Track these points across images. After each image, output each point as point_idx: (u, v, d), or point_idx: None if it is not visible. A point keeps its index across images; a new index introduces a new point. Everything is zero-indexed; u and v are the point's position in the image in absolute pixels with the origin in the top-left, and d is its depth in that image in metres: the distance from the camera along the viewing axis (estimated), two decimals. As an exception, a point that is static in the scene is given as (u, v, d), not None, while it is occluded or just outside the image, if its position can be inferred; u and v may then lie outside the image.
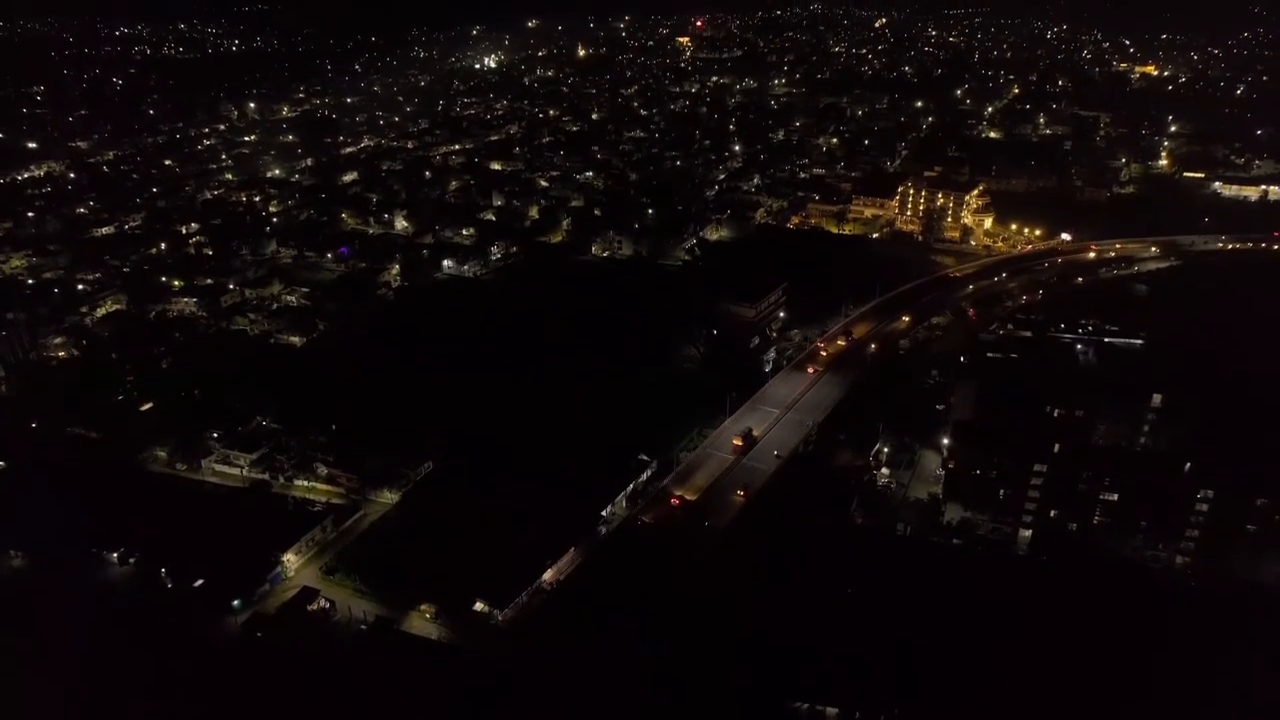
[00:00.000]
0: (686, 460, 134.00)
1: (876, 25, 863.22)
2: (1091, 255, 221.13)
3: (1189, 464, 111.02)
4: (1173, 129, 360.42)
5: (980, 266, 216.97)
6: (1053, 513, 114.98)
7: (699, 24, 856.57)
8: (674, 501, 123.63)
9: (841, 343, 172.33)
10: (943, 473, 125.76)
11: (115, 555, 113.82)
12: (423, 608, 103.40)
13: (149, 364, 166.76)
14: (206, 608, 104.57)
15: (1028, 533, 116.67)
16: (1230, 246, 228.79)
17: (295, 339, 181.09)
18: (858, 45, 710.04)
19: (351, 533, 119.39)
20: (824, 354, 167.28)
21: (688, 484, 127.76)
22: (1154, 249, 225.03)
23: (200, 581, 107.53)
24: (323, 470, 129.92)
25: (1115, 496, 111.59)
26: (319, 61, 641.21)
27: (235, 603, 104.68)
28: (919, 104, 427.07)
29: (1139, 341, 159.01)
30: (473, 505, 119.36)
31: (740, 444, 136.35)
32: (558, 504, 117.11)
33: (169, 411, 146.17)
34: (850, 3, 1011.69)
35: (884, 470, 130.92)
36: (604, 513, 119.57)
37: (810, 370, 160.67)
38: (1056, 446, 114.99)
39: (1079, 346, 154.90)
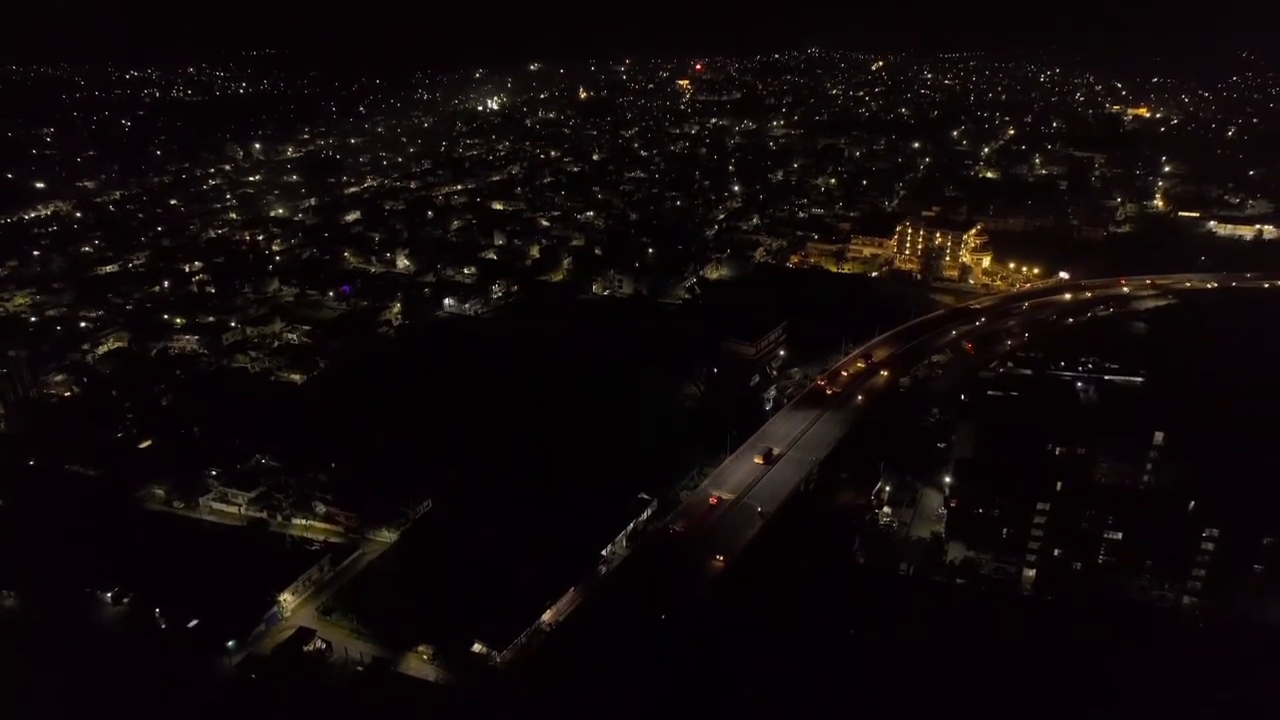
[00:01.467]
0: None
1: (873, 68, 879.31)
2: (1125, 289, 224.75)
3: (1193, 502, 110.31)
4: (1166, 169, 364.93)
5: (996, 300, 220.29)
6: (1056, 552, 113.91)
7: (699, 67, 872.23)
8: (712, 500, 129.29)
9: (846, 375, 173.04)
10: (945, 511, 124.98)
11: (109, 595, 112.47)
12: (420, 649, 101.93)
13: (149, 401, 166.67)
14: (200, 649, 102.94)
15: (1032, 572, 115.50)
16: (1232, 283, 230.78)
17: (296, 376, 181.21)
18: (855, 88, 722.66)
19: (349, 572, 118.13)
20: (825, 391, 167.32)
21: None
22: (1189, 284, 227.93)
23: (195, 622, 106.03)
24: (321, 509, 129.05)
25: (1119, 535, 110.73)
26: (324, 103, 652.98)
27: (230, 644, 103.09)
28: (916, 145, 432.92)
29: (1139, 379, 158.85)
30: (471, 544, 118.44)
31: (761, 462, 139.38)
32: (557, 543, 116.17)
33: (168, 449, 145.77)
34: (847, 46, 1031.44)
35: (886, 509, 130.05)
36: (604, 552, 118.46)
37: (811, 407, 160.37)
38: (1059, 485, 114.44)
39: (1079, 384, 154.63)
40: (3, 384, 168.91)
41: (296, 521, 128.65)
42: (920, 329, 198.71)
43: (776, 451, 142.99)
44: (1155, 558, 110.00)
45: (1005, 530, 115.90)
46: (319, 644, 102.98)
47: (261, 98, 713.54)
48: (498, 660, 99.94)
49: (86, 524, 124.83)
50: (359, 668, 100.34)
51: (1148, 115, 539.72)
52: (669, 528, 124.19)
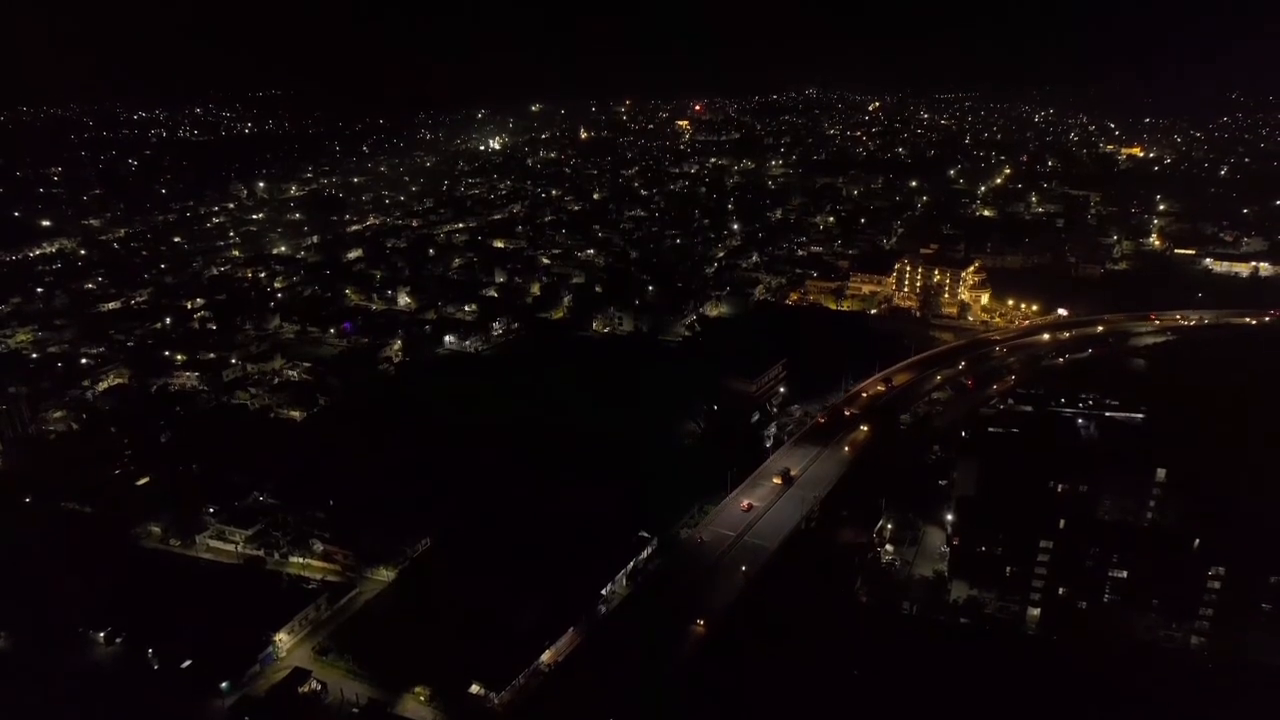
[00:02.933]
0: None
1: (870, 109, 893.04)
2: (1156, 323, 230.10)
3: (1197, 540, 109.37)
4: (1161, 208, 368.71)
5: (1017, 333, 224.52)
6: (1061, 590, 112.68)
7: (698, 108, 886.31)
8: (743, 507, 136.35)
9: (851, 410, 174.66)
10: (947, 549, 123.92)
11: (102, 635, 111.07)
12: (417, 690, 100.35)
13: (148, 438, 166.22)
14: (194, 690, 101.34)
15: (1036, 611, 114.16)
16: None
17: (295, 413, 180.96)
18: (852, 128, 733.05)
19: (346, 611, 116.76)
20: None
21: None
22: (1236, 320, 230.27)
23: (188, 662, 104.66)
24: (319, 546, 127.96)
25: (1124, 574, 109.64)
26: (327, 143, 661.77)
27: (223, 685, 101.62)
28: (913, 184, 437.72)
29: (1140, 415, 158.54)
30: (470, 584, 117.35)
31: (780, 482, 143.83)
32: (557, 583, 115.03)
33: (166, 486, 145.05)
34: (844, 87, 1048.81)
35: (888, 547, 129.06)
36: (604, 591, 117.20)
37: (812, 444, 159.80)
38: (1062, 522, 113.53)
39: (1080, 421, 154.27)
40: (1, 421, 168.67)
41: (294, 560, 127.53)
42: (934, 361, 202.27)
43: (793, 472, 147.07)
44: (1161, 596, 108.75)
45: (1009, 569, 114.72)
46: (314, 685, 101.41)
47: (266, 137, 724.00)
48: (495, 702, 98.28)
49: (81, 562, 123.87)
50: (355, 709, 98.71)
51: (1141, 155, 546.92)
52: (698, 536, 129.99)
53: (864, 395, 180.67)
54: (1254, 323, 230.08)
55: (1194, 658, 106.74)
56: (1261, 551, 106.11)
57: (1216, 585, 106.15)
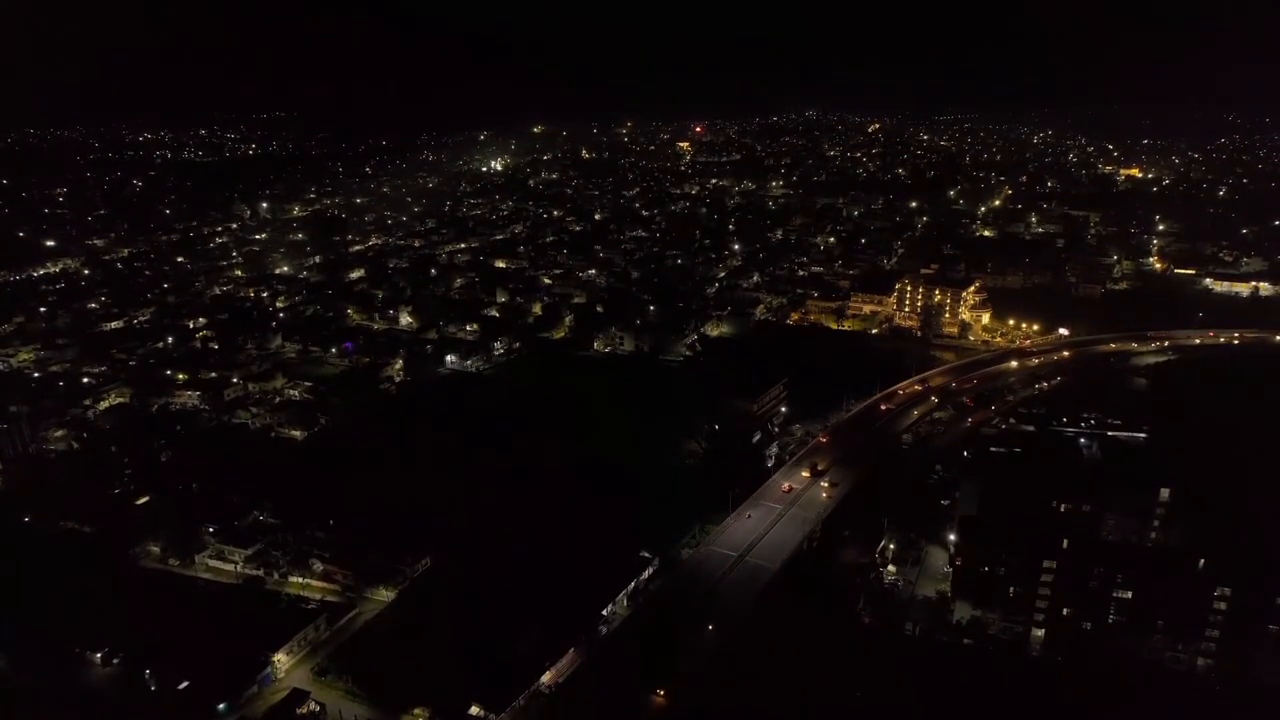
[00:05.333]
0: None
1: (870, 130, 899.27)
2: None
3: (1202, 560, 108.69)
4: (1160, 228, 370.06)
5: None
6: (1065, 611, 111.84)
7: (699, 129, 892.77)
8: (785, 489, 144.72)
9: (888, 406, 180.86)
10: (950, 570, 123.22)
11: (99, 656, 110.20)
12: (416, 711, 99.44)
13: (148, 457, 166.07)
14: (191, 711, 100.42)
15: (1040, 632, 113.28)
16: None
17: (296, 433, 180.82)
18: (852, 149, 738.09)
19: (345, 632, 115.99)
20: (826, 448, 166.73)
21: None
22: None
23: (185, 684, 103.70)
24: (319, 566, 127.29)
25: (1129, 594, 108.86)
26: (331, 164, 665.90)
27: (221, 706, 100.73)
28: (914, 204, 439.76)
29: (1143, 435, 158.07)
30: (470, 603, 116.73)
31: (808, 476, 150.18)
32: (557, 603, 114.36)
33: (166, 505, 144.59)
34: (844, 109, 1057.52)
35: (890, 567, 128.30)
36: (605, 611, 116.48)
37: (813, 465, 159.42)
38: (1065, 542, 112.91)
39: (1082, 440, 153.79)
40: (1, 440, 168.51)
41: (293, 580, 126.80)
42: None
43: (823, 469, 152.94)
44: (1166, 617, 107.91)
45: (1012, 589, 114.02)
46: (313, 706, 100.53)
47: (270, 158, 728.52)
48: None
49: (80, 582, 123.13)
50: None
51: (1139, 175, 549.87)
52: (746, 514, 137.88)
53: (900, 393, 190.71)
54: (1237, 341, 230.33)
55: (1201, 679, 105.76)
56: (1268, 571, 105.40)
57: (1223, 606, 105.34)
